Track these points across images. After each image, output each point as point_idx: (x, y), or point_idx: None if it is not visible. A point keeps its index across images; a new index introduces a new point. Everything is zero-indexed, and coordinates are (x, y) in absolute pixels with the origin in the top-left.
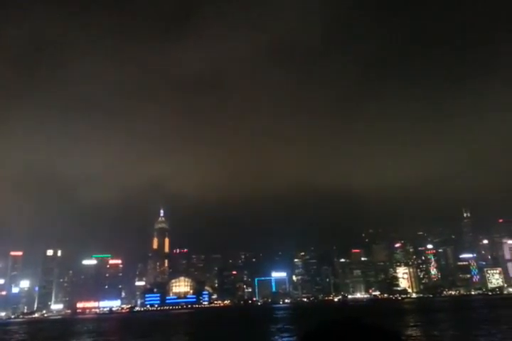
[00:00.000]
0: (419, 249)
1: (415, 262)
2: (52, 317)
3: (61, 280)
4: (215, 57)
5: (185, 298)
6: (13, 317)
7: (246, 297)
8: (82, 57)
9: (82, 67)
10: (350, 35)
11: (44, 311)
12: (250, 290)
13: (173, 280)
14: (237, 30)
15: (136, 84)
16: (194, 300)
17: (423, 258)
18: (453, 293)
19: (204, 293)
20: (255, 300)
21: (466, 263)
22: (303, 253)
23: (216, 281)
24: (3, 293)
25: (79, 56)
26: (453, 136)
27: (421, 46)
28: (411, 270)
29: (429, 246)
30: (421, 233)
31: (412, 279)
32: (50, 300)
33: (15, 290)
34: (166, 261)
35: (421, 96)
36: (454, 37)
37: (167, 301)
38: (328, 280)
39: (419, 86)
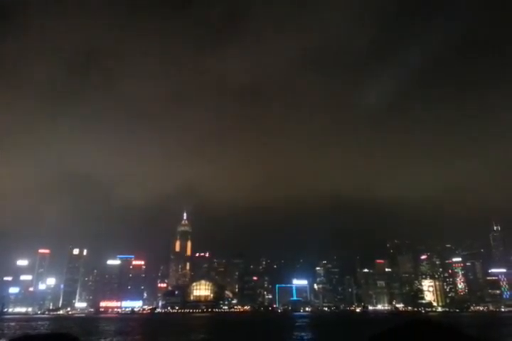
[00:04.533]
0: (446, 261)
1: (442, 275)
2: (76, 315)
3: (86, 278)
4: (259, 65)
5: (205, 301)
6: (39, 312)
7: (266, 303)
8: (131, 64)
9: (130, 73)
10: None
11: (68, 308)
12: (270, 296)
13: (194, 284)
14: (282, 34)
15: (179, 90)
16: (214, 304)
17: (450, 271)
18: (481, 308)
19: (224, 297)
20: (275, 307)
21: (496, 278)
22: (325, 262)
23: (237, 286)
24: (31, 289)
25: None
26: (484, 146)
27: None
28: (437, 283)
29: (457, 259)
30: (449, 245)
31: (438, 292)
32: (75, 298)
33: (41, 286)
34: (188, 263)
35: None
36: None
37: (188, 304)
38: (350, 290)
39: None
